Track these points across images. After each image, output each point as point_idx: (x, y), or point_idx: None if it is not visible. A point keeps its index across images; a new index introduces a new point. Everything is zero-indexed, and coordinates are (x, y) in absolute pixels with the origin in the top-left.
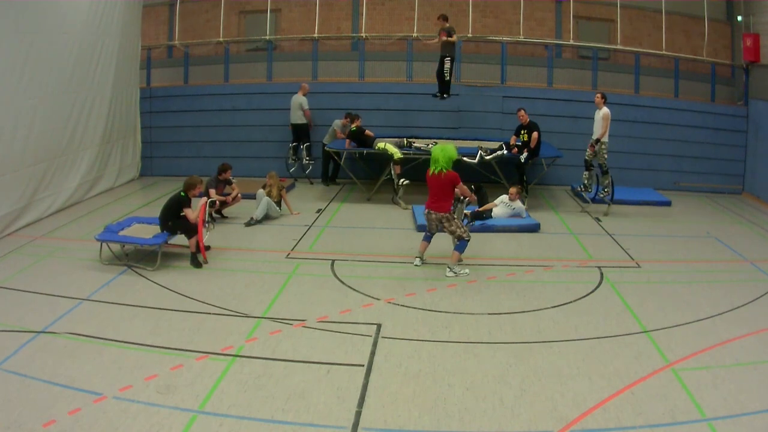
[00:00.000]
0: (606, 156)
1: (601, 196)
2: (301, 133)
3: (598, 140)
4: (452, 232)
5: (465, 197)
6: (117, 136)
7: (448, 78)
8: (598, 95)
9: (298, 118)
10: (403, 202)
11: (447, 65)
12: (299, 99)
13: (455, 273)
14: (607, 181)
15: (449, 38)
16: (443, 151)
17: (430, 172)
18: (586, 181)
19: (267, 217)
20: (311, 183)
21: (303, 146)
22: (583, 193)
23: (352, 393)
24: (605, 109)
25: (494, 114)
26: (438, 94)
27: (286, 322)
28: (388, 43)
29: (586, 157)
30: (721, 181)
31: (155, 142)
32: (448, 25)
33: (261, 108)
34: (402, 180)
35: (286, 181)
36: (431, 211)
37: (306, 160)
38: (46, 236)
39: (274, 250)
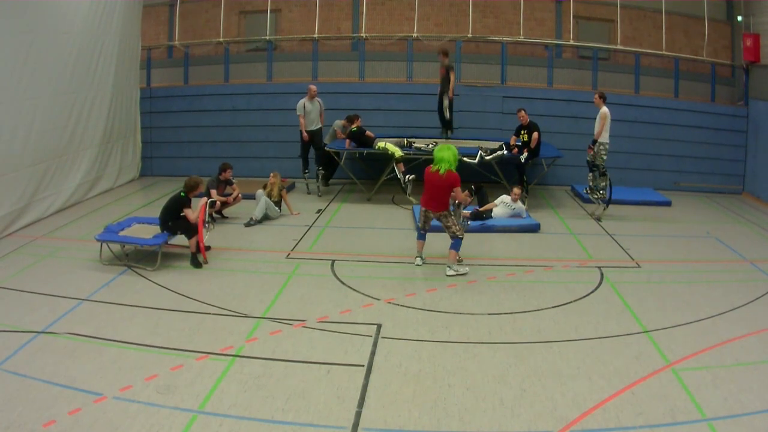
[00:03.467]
0: (605, 157)
1: (595, 198)
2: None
3: (595, 141)
4: (447, 228)
5: (459, 203)
6: (117, 136)
7: (448, 117)
8: (597, 95)
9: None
10: (413, 199)
11: (446, 102)
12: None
13: (455, 271)
14: (603, 183)
15: (449, 75)
16: (449, 150)
17: (433, 169)
18: (591, 183)
19: (267, 218)
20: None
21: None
22: (590, 196)
23: (352, 393)
24: (603, 109)
25: (494, 114)
26: (443, 133)
27: (286, 322)
28: (388, 43)
29: (588, 159)
30: (721, 181)
31: (155, 143)
32: (447, 61)
33: (261, 108)
34: (408, 176)
35: (287, 181)
36: (428, 210)
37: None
38: (46, 236)
39: (274, 250)
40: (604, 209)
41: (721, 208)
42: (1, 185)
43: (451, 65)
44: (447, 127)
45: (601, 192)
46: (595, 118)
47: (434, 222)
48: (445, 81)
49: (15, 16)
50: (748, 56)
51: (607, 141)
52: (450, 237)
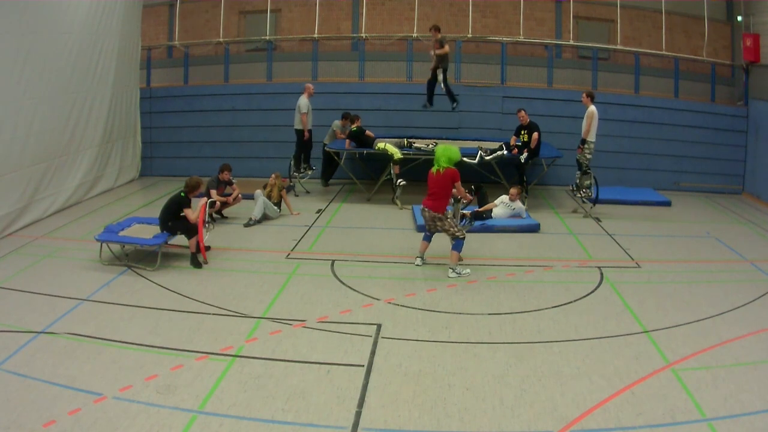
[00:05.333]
0: (589, 156)
1: (580, 196)
2: (297, 139)
3: (584, 141)
4: (446, 231)
5: (461, 198)
6: (117, 136)
7: (444, 87)
8: (584, 94)
9: (295, 122)
10: (399, 202)
11: (440, 77)
12: (299, 101)
13: (458, 273)
14: (588, 182)
15: (441, 49)
16: (445, 151)
17: (433, 170)
18: (578, 182)
19: (266, 218)
20: (307, 192)
21: (292, 156)
22: (575, 194)
23: (352, 393)
24: (591, 108)
25: (494, 114)
26: (426, 104)
27: (286, 322)
28: (388, 43)
29: (577, 158)
30: (721, 181)
31: (155, 143)
32: (440, 35)
33: (261, 108)
34: (399, 181)
35: (287, 181)
36: (425, 209)
37: (302, 169)
38: (46, 236)
39: (274, 251)
40: (591, 207)
41: (721, 208)
42: (1, 185)
43: (444, 38)
44: (452, 99)
45: (585, 191)
46: (583, 117)
47: None
48: (439, 56)
49: (15, 16)
50: (748, 56)
51: (594, 140)
52: (451, 239)
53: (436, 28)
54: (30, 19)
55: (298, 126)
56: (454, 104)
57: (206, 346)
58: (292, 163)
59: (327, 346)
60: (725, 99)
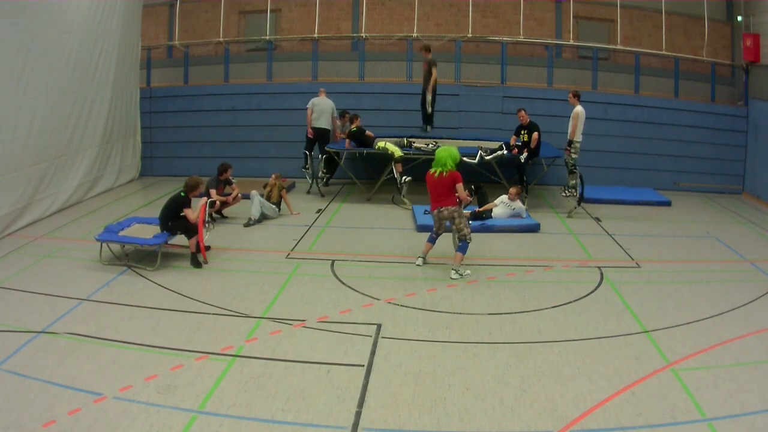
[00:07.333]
0: (575, 156)
1: (565, 195)
2: (324, 139)
3: (571, 141)
4: (459, 230)
5: (461, 200)
6: (117, 136)
7: (430, 112)
8: (570, 93)
9: (326, 123)
10: (407, 200)
11: (429, 98)
12: (327, 102)
13: (460, 275)
14: (573, 182)
15: (431, 76)
16: (448, 152)
17: (434, 173)
18: (569, 183)
19: (265, 217)
20: (322, 195)
21: (322, 156)
22: (568, 197)
23: (352, 393)
24: (578, 108)
25: (494, 114)
26: (423, 126)
27: (286, 322)
28: (388, 43)
29: (565, 159)
30: (721, 181)
31: (155, 143)
32: (430, 57)
33: (261, 108)
34: (405, 177)
35: (287, 181)
36: (441, 209)
37: (323, 171)
38: (46, 236)
39: (274, 250)
40: (575, 208)
41: (721, 208)
42: (1, 185)
43: (434, 61)
44: (428, 122)
45: (571, 190)
46: (569, 117)
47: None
48: (428, 76)
49: (15, 16)
50: (748, 56)
51: (580, 140)
52: (458, 239)
53: (427, 49)
54: (30, 19)
55: (326, 126)
56: (426, 126)
57: (206, 346)
58: (322, 165)
59: (327, 346)
60: (725, 99)
